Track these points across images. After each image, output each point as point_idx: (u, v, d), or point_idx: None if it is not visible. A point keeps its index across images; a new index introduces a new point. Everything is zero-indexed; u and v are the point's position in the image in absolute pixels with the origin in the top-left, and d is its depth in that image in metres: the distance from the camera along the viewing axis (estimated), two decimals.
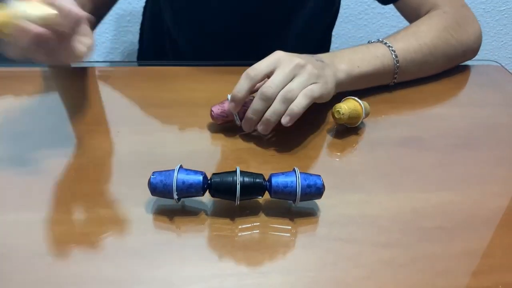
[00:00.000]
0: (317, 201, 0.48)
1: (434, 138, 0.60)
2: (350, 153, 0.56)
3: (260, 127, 0.54)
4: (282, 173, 0.46)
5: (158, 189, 0.44)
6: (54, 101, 0.63)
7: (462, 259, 0.44)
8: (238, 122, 0.57)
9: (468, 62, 0.76)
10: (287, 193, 0.45)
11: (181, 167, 0.45)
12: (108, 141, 0.55)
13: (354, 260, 0.43)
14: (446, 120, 0.64)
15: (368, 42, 0.68)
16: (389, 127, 0.62)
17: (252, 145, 0.56)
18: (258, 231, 0.45)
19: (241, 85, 0.54)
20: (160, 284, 0.40)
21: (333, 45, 1.00)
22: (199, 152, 0.55)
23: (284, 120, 0.53)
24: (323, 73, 0.56)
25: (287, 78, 0.53)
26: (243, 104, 0.56)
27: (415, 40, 0.68)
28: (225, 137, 0.58)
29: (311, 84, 0.54)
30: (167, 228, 0.45)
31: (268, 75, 0.54)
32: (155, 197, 0.47)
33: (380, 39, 0.67)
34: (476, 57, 0.73)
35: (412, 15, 0.76)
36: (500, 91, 0.72)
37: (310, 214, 0.47)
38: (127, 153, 0.53)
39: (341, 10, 0.90)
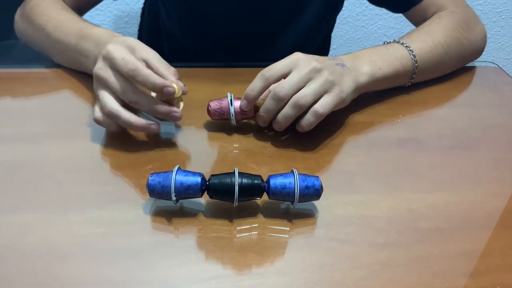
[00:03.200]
0: (315, 202, 0.48)
1: (431, 139, 0.60)
2: (348, 154, 0.57)
3: (274, 125, 0.56)
4: (281, 175, 0.46)
5: (156, 190, 0.44)
6: (53, 102, 0.63)
7: (460, 259, 0.44)
8: (233, 123, 0.57)
9: None
10: (285, 194, 0.45)
11: (179, 168, 0.45)
12: (107, 142, 0.55)
13: (352, 261, 0.43)
14: (443, 121, 0.64)
15: (384, 42, 0.67)
16: (386, 128, 0.62)
17: (250, 146, 0.57)
18: (256, 232, 0.45)
19: (255, 84, 0.54)
20: (158, 285, 0.40)
21: (331, 47, 1.00)
22: (198, 153, 0.55)
23: (298, 128, 0.55)
24: (340, 80, 0.55)
25: (301, 81, 0.53)
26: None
27: (430, 40, 0.67)
28: (224, 138, 0.58)
29: (325, 92, 0.53)
30: (165, 229, 0.45)
31: (284, 76, 0.54)
32: (153, 199, 0.47)
33: (397, 40, 0.66)
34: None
35: (419, 18, 0.76)
36: (497, 92, 0.72)
37: (308, 215, 0.47)
38: (126, 154, 0.53)
39: None
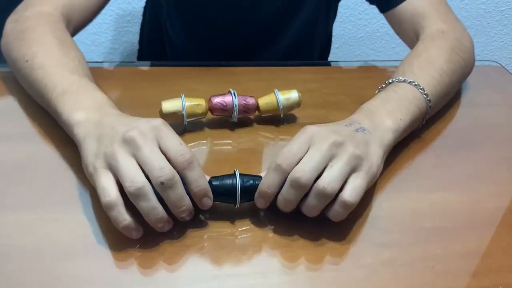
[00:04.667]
0: None
1: (434, 138, 0.60)
2: None
3: (281, 207, 0.45)
4: None
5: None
6: None
7: (462, 259, 0.44)
8: (234, 119, 0.57)
9: None
10: None
11: None
12: None
13: (354, 261, 0.43)
14: (446, 120, 0.64)
15: (387, 82, 0.58)
16: None
17: (250, 145, 0.56)
18: (257, 231, 0.45)
19: (272, 179, 0.43)
20: (160, 285, 0.40)
21: (333, 45, 1.00)
22: (198, 153, 0.55)
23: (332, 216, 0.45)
24: (367, 152, 0.46)
25: (323, 159, 0.43)
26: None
27: (434, 70, 0.59)
28: (224, 136, 0.57)
29: (352, 171, 0.44)
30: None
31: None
32: None
33: (401, 78, 0.57)
34: (476, 57, 0.73)
35: (398, 22, 0.73)
36: (500, 91, 0.72)
37: None
38: None
39: (341, 10, 0.90)
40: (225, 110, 0.56)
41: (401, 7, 0.71)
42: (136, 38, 1.10)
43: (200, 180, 0.42)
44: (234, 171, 0.45)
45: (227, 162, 0.54)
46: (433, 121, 0.64)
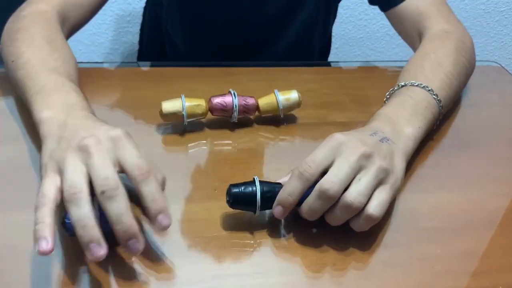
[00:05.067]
0: None
1: (434, 139, 0.60)
2: None
3: (307, 217, 0.44)
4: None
5: None
6: None
7: (462, 259, 0.44)
8: (234, 119, 0.57)
9: None
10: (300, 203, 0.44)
11: None
12: None
13: (353, 261, 0.43)
14: (446, 121, 0.64)
15: (399, 85, 0.58)
16: None
17: (249, 146, 0.56)
18: (258, 232, 0.45)
19: (293, 187, 0.43)
20: (160, 284, 0.40)
21: (333, 46, 1.00)
22: (198, 153, 0.55)
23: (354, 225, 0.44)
24: (393, 164, 0.45)
25: (352, 171, 0.42)
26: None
27: (444, 74, 0.59)
28: (224, 138, 0.57)
29: (378, 185, 0.43)
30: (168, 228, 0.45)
31: (327, 168, 0.43)
32: None
33: (415, 82, 0.56)
34: (476, 58, 0.73)
35: (404, 26, 0.72)
36: (500, 91, 0.72)
37: None
38: None
39: (341, 11, 0.90)
40: (225, 110, 0.56)
41: (403, 6, 0.71)
42: (136, 38, 1.10)
43: (156, 194, 0.39)
44: (254, 178, 0.44)
45: (227, 162, 0.54)
46: None
